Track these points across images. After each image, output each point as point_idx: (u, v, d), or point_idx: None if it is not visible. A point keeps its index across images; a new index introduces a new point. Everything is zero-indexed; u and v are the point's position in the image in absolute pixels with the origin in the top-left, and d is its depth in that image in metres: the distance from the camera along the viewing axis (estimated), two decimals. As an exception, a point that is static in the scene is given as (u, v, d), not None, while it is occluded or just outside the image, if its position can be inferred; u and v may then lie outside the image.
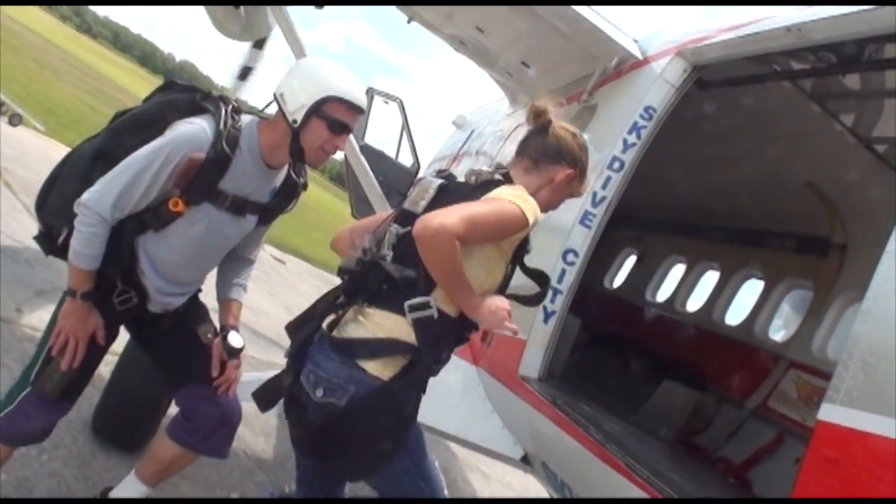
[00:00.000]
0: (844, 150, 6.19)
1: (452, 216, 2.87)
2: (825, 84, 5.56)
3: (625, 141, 4.96)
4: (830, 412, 2.76)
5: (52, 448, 4.48)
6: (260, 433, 6.44)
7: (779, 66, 5.20)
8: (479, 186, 3.17)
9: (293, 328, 3.30)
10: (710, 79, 5.39)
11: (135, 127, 3.56)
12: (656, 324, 9.23)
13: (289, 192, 3.80)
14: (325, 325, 3.16)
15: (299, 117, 3.39)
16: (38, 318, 6.28)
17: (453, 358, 3.39)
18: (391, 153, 10.50)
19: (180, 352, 3.81)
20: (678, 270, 9.54)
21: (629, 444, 4.37)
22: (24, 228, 8.76)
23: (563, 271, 4.93)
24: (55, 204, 3.56)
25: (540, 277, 3.37)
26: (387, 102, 11.10)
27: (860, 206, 6.76)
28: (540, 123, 3.35)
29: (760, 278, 8.15)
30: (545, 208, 3.26)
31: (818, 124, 6.06)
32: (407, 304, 2.99)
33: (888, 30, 3.74)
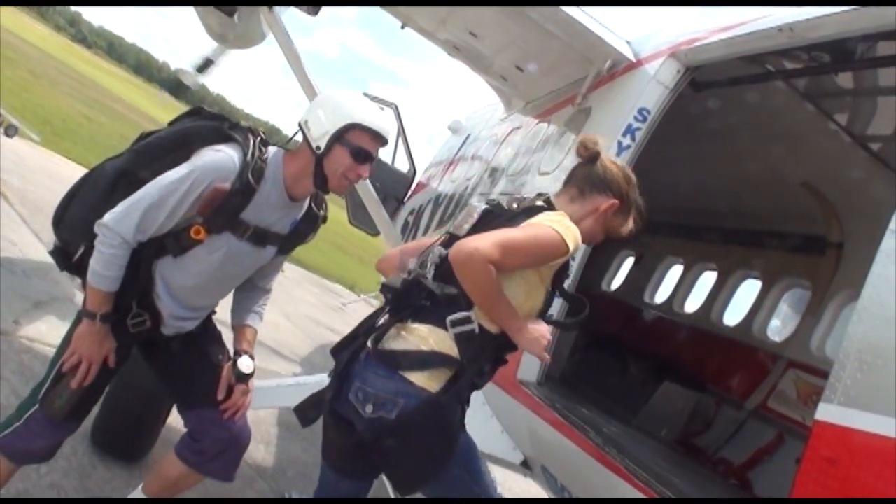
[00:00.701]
0: (839, 149, 6.19)
1: (486, 241, 2.96)
2: (819, 83, 5.56)
3: (619, 143, 4.96)
4: (828, 412, 2.76)
5: (51, 460, 4.47)
6: (260, 441, 6.43)
7: (772, 65, 5.20)
8: (522, 212, 3.26)
9: (338, 349, 3.37)
10: (703, 80, 5.39)
11: (160, 150, 3.59)
12: (655, 325, 9.23)
13: (309, 224, 3.81)
14: (369, 342, 3.22)
15: (323, 144, 3.42)
16: (36, 330, 6.28)
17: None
18: (387, 158, 10.51)
19: (190, 374, 3.81)
20: (676, 272, 9.54)
21: (629, 447, 4.37)
22: (22, 239, 8.77)
23: (561, 275, 4.92)
24: (73, 221, 3.59)
25: (578, 304, 3.42)
26: (382, 108, 11.12)
27: (856, 205, 6.77)
28: (589, 155, 3.44)
29: (758, 278, 8.15)
30: (588, 238, 3.37)
31: (813, 123, 6.06)
32: (449, 319, 3.07)
33: (880, 28, 3.75)
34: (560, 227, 3.09)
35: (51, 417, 3.48)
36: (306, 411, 3.41)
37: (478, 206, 3.41)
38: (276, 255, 3.82)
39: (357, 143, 3.43)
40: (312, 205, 3.76)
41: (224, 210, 3.43)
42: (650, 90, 5.08)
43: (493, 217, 3.31)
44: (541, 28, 5.69)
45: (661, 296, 9.67)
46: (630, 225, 3.52)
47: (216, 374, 3.78)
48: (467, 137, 9.74)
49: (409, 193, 10.28)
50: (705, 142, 6.97)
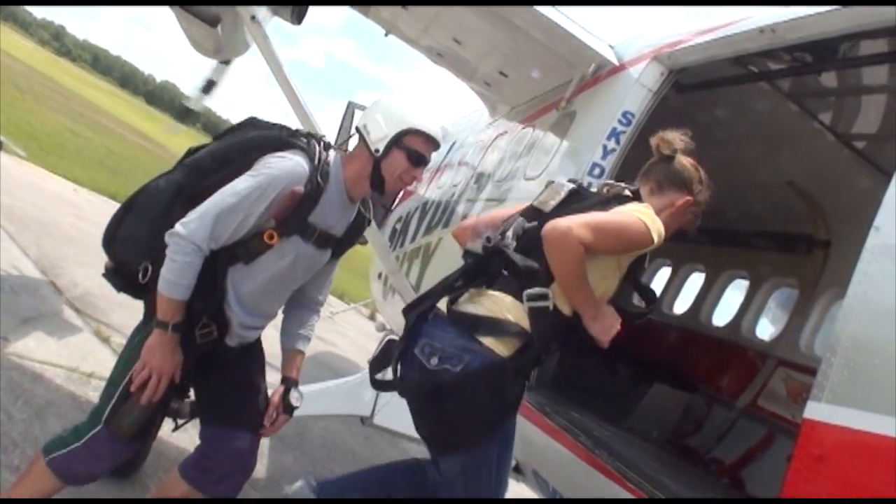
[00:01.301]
0: (824, 149, 6.22)
1: (580, 222, 3.09)
2: (802, 83, 5.59)
3: (604, 147, 4.98)
4: (816, 410, 2.76)
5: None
6: (251, 452, 6.40)
7: (755, 66, 5.23)
8: (612, 199, 3.37)
9: (409, 309, 3.47)
10: (687, 82, 5.42)
11: (216, 163, 3.62)
12: (644, 327, 9.20)
13: (359, 227, 3.90)
14: (441, 303, 3.32)
15: (381, 147, 3.55)
16: (24, 346, 6.24)
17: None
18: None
19: (229, 391, 3.81)
20: (664, 274, 9.56)
21: (620, 449, 4.38)
22: (9, 255, 8.73)
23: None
24: (130, 239, 3.57)
25: (650, 295, 3.64)
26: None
27: (841, 204, 6.80)
28: (667, 152, 3.60)
29: (745, 278, 8.18)
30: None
31: (797, 123, 6.09)
32: (526, 292, 3.15)
33: (862, 27, 3.78)
34: (648, 219, 3.23)
35: (119, 437, 3.44)
36: (376, 363, 3.57)
37: (564, 184, 3.52)
38: (331, 260, 3.89)
39: (413, 146, 3.57)
40: (360, 207, 3.86)
41: (296, 214, 3.51)
42: (634, 93, 5.10)
43: (581, 198, 3.42)
44: (524, 33, 5.71)
45: (650, 298, 9.67)
46: (696, 222, 3.68)
47: (251, 397, 3.82)
48: (453, 144, 9.74)
49: (397, 201, 10.29)
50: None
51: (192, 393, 4.48)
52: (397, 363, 3.36)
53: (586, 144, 5.17)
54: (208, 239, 3.32)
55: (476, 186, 7.35)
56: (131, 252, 3.55)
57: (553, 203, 3.42)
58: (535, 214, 3.39)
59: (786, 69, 5.02)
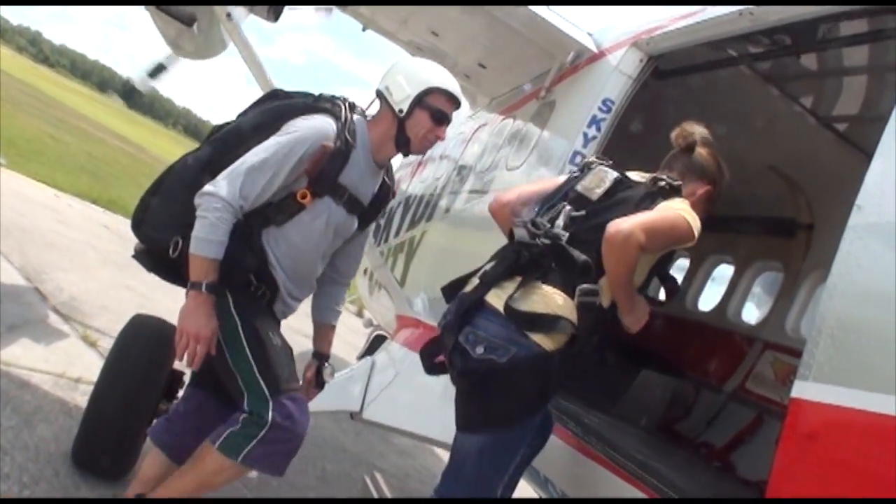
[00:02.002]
0: (805, 131, 6.24)
1: (641, 226, 3.14)
2: (783, 66, 5.59)
3: (585, 135, 4.98)
4: (804, 389, 2.77)
5: (33, 483, 4.38)
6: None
7: (735, 50, 5.21)
8: (658, 192, 3.43)
9: (448, 290, 3.57)
10: (667, 68, 5.41)
11: (243, 135, 3.64)
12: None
13: (384, 196, 3.94)
14: (491, 294, 3.32)
15: (405, 107, 3.63)
16: (11, 354, 6.18)
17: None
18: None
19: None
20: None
21: (609, 436, 4.38)
22: (-10, 264, 8.66)
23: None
24: (159, 216, 3.61)
25: (673, 285, 3.58)
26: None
27: (824, 186, 6.82)
28: (687, 144, 3.75)
29: (730, 263, 8.20)
30: None
31: (778, 107, 6.11)
32: (580, 287, 3.20)
33: (841, 8, 3.80)
34: (689, 216, 3.30)
35: (293, 393, 3.47)
36: (426, 354, 3.64)
37: (608, 171, 3.58)
38: (358, 231, 3.90)
39: (437, 105, 3.65)
40: (385, 177, 3.88)
41: (328, 172, 3.54)
42: (613, 81, 5.11)
43: (626, 187, 3.50)
44: (502, 24, 5.71)
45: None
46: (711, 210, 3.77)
47: None
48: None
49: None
50: (671, 130, 6.98)
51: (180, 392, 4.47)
52: (450, 350, 3.40)
53: (567, 133, 5.17)
54: (238, 196, 3.32)
55: (458, 179, 7.33)
56: (161, 229, 3.58)
57: (599, 191, 3.48)
58: (582, 202, 3.45)
59: (765, 52, 5.01)
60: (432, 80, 3.64)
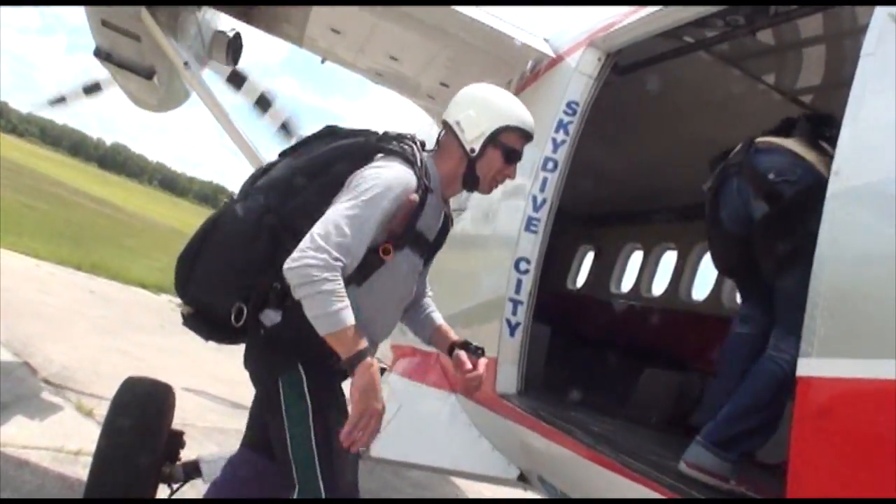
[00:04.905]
0: (772, 108, 6.21)
1: None
2: (740, 46, 5.57)
3: (554, 140, 4.93)
4: (808, 366, 2.72)
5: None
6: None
7: (691, 37, 5.20)
8: None
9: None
10: (626, 63, 5.39)
11: (300, 180, 3.26)
12: (627, 314, 9.22)
13: (446, 229, 3.58)
14: None
15: (478, 146, 3.33)
16: (5, 433, 6.08)
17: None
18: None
19: None
20: (637, 257, 9.55)
21: (621, 441, 4.32)
22: (-24, 344, 8.56)
23: (520, 281, 4.87)
24: (214, 277, 3.22)
25: None
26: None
27: (799, 160, 6.79)
28: None
29: (718, 248, 8.16)
30: None
31: (741, 87, 6.10)
32: None
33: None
34: None
35: (351, 496, 3.16)
36: None
37: None
38: (425, 267, 3.60)
39: (510, 144, 3.37)
40: (446, 210, 3.56)
41: (411, 224, 3.23)
42: (575, 82, 5.07)
43: None
44: (457, 40, 5.70)
45: (627, 283, 9.68)
46: None
47: None
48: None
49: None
50: (640, 124, 6.98)
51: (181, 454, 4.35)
52: None
53: (535, 140, 5.08)
54: (347, 254, 2.93)
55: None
56: (216, 292, 3.21)
57: None
58: None
59: (721, 34, 4.98)
60: (509, 117, 3.35)
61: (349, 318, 2.90)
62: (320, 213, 3.04)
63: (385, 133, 3.41)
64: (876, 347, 2.52)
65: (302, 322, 2.97)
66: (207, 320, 3.30)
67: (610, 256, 9.88)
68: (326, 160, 3.29)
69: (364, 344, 2.95)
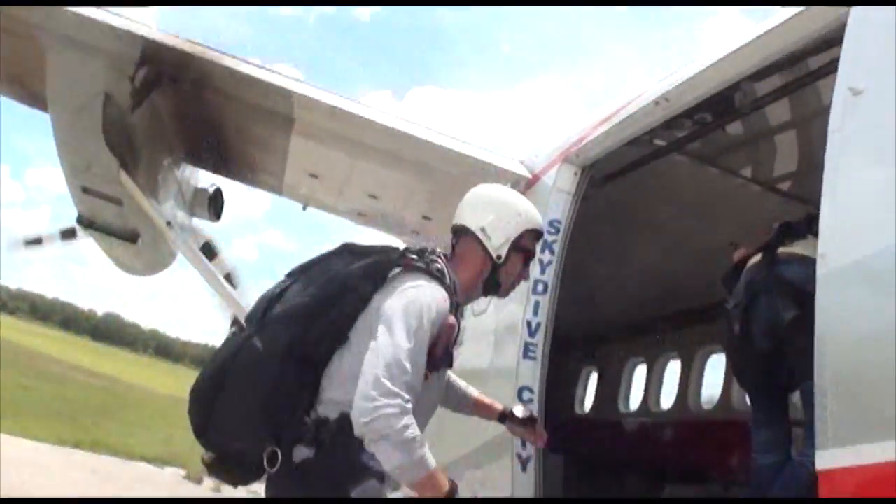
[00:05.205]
0: (752, 200, 6.24)
1: None
2: (713, 142, 5.60)
3: (541, 262, 4.84)
4: (826, 459, 2.64)
5: None
6: None
7: (662, 139, 5.19)
8: None
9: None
10: (601, 175, 5.38)
11: (319, 306, 3.05)
12: (639, 432, 9.00)
13: (458, 334, 3.37)
14: None
15: (503, 253, 3.26)
16: None
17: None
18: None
19: None
20: (641, 371, 9.41)
21: None
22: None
23: (524, 411, 4.74)
24: (234, 422, 3.00)
25: None
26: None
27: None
28: None
29: (721, 351, 8.04)
30: None
31: (720, 183, 6.14)
32: None
33: (747, 72, 3.87)
34: None
35: None
36: None
37: None
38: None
39: (529, 246, 3.36)
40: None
41: (450, 347, 3.11)
42: (554, 201, 5.07)
43: None
44: (434, 171, 5.74)
45: (635, 400, 9.51)
46: None
47: None
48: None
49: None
50: (627, 234, 6.97)
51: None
52: None
53: (522, 264, 5.09)
54: (410, 390, 2.79)
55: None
56: (246, 436, 3.01)
57: None
58: None
59: (691, 133, 5.02)
60: (528, 220, 3.30)
61: (432, 460, 2.81)
62: (344, 336, 3.00)
63: (407, 249, 3.28)
64: (887, 427, 2.44)
65: (336, 455, 2.88)
66: (234, 465, 3.13)
67: (614, 375, 9.73)
68: (346, 281, 3.10)
69: (448, 484, 2.85)
